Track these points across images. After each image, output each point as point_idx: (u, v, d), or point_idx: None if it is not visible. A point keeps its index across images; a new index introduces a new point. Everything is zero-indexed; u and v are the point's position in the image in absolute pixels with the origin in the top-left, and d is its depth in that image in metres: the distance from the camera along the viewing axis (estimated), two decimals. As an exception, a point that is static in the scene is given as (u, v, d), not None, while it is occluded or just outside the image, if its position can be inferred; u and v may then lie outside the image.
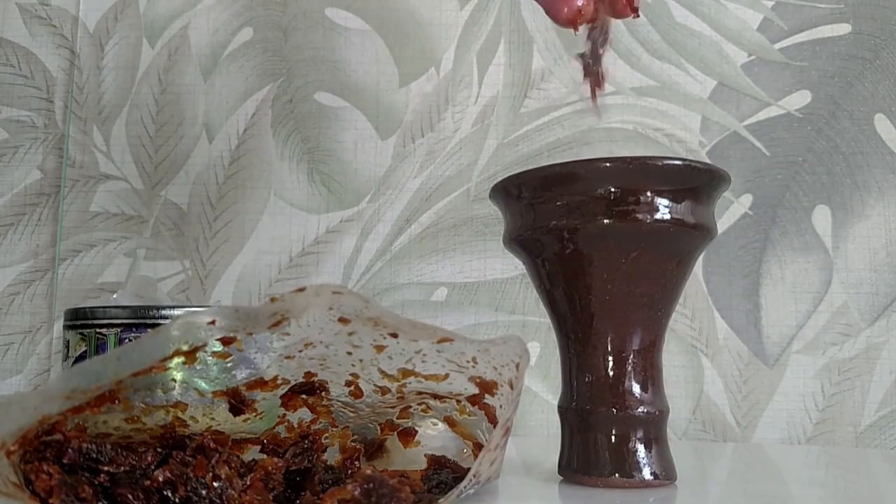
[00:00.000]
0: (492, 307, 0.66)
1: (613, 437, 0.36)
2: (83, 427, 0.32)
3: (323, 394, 0.37)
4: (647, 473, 0.36)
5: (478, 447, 0.38)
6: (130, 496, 0.28)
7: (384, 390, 0.37)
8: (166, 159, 0.71)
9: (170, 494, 0.29)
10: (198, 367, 0.33)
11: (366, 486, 0.27)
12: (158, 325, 0.45)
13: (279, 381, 0.36)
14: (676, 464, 0.37)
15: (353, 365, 0.36)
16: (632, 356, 0.37)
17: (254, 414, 0.36)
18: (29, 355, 0.68)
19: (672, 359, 0.64)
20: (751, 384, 0.64)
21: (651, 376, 0.37)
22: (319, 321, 0.32)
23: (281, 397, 0.37)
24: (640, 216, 0.35)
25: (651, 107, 0.67)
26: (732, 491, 0.39)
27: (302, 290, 0.29)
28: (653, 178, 0.35)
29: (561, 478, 0.38)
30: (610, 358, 0.37)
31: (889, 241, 0.64)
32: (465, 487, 0.29)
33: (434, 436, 0.40)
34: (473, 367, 0.35)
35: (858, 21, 0.67)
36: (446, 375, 0.36)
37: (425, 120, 0.69)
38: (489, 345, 0.33)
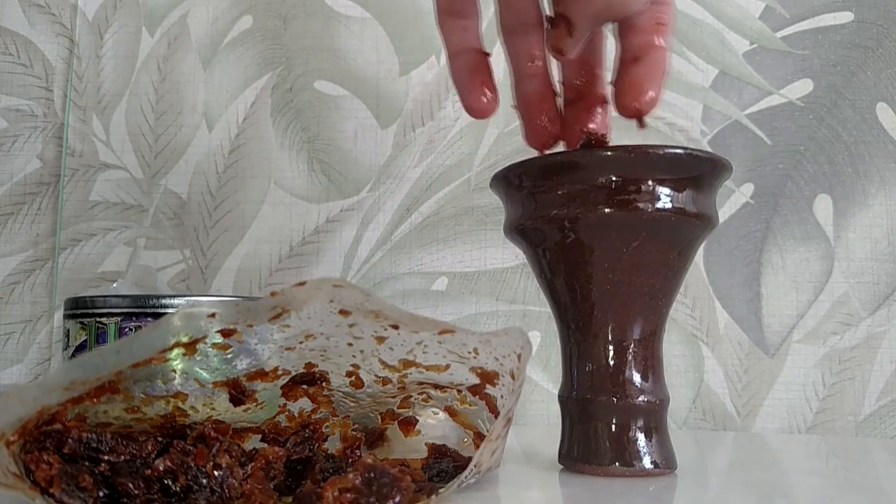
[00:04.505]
0: (492, 297, 0.66)
1: (614, 427, 0.36)
2: (83, 417, 0.32)
3: (324, 384, 0.37)
4: (647, 462, 0.36)
5: (479, 436, 0.39)
6: (131, 485, 0.28)
7: (385, 381, 0.37)
8: (166, 148, 0.70)
9: (170, 483, 0.29)
10: (198, 358, 0.33)
11: (367, 474, 0.27)
12: (158, 314, 0.45)
13: (280, 372, 0.36)
14: (677, 453, 0.37)
15: (353, 356, 0.36)
16: (632, 345, 0.36)
17: (254, 404, 0.36)
18: (29, 345, 0.68)
19: (672, 348, 0.64)
20: (751, 373, 0.64)
21: (651, 366, 0.37)
22: (320, 313, 0.32)
23: (281, 388, 0.37)
24: (641, 205, 0.35)
25: (652, 95, 0.67)
26: (733, 480, 0.39)
27: (302, 283, 0.29)
28: (654, 167, 0.35)
29: (561, 467, 0.38)
30: (610, 347, 0.37)
31: (890, 231, 0.64)
32: (465, 477, 0.29)
33: (435, 425, 0.40)
34: (475, 357, 0.35)
35: (861, 9, 0.67)
36: (447, 366, 0.36)
37: (426, 109, 0.69)
38: (491, 336, 0.33)
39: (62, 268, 0.69)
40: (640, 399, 0.36)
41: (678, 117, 0.67)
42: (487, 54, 0.41)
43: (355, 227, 0.68)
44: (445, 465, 0.34)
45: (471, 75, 0.40)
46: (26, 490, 0.25)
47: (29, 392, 0.27)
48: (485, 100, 0.40)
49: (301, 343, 0.35)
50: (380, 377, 0.37)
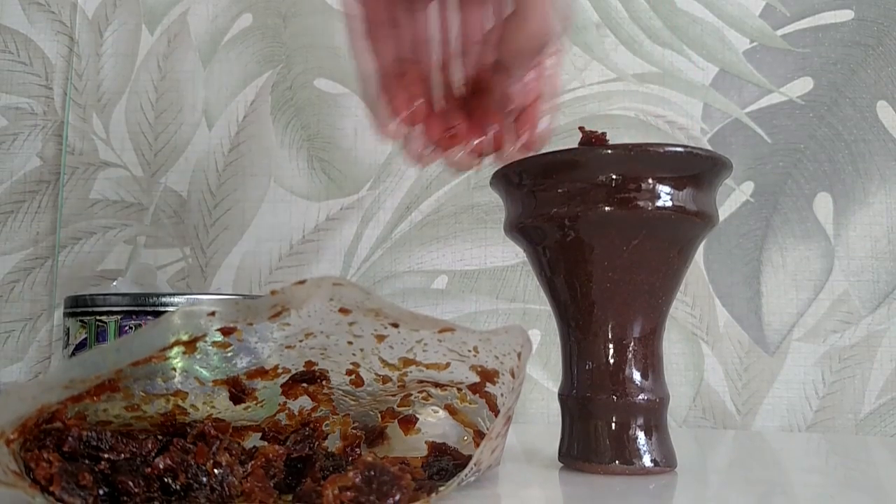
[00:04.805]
0: (492, 295, 0.66)
1: (614, 425, 0.36)
2: (83, 415, 0.32)
3: (324, 382, 0.37)
4: (647, 460, 0.36)
5: (479, 434, 0.39)
6: (131, 483, 0.28)
7: (385, 379, 0.37)
8: (166, 146, 0.70)
9: (170, 482, 0.29)
10: (198, 356, 0.33)
11: (367, 472, 0.27)
12: (158, 312, 0.45)
13: (280, 370, 0.36)
14: (676, 451, 0.37)
15: (353, 354, 0.36)
16: (632, 344, 0.36)
17: (254, 402, 0.36)
18: (30, 343, 0.69)
19: (672, 346, 0.64)
20: (751, 372, 0.64)
21: (651, 364, 0.37)
22: (320, 312, 0.32)
23: (282, 386, 0.37)
24: (641, 203, 0.35)
25: (653, 93, 0.67)
26: (732, 478, 0.39)
27: (302, 282, 0.29)
28: (654, 166, 0.35)
29: (561, 465, 0.38)
30: (610, 346, 0.37)
31: (890, 229, 0.64)
32: (466, 475, 0.29)
33: (435, 423, 0.40)
34: (475, 356, 0.35)
35: (861, 7, 0.67)
36: (447, 364, 0.36)
37: (426, 107, 0.69)
38: (491, 334, 0.33)
39: (62, 266, 0.69)
40: (640, 397, 0.36)
41: (678, 115, 0.67)
42: (408, 74, 0.40)
43: (355, 226, 0.68)
44: (445, 463, 0.34)
45: (399, 80, 0.39)
46: (26, 488, 0.25)
47: (29, 390, 0.27)
48: (414, 105, 0.39)
49: (301, 341, 0.35)
50: (380, 375, 0.37)
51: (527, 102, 0.39)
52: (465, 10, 0.41)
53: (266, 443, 0.36)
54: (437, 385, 0.38)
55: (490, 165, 0.40)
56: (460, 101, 0.41)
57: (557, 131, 0.67)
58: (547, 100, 0.40)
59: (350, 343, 0.35)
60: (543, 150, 0.38)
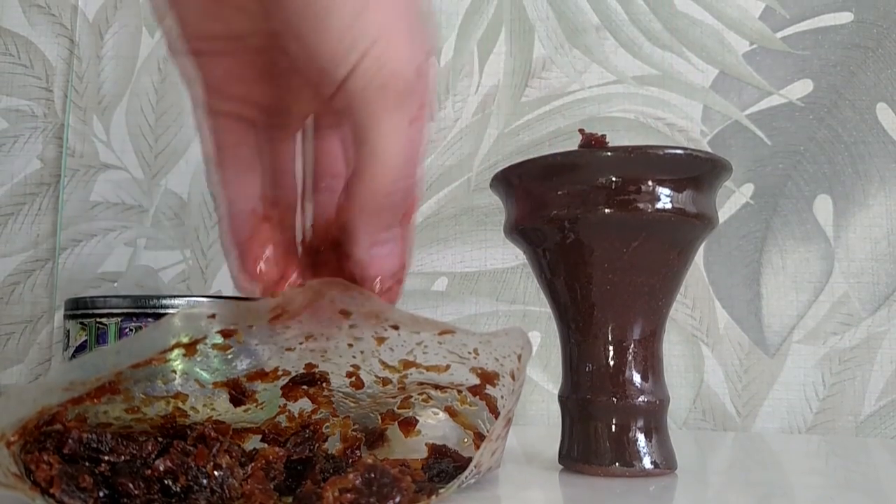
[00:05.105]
0: (492, 297, 0.66)
1: (614, 427, 0.36)
2: (83, 417, 0.32)
3: (324, 384, 0.37)
4: (647, 463, 0.36)
5: (479, 437, 0.39)
6: (131, 486, 0.28)
7: (385, 381, 0.37)
8: (166, 148, 0.70)
9: (171, 484, 0.29)
10: (198, 359, 0.33)
11: (367, 475, 0.27)
12: (159, 314, 0.45)
13: (280, 373, 0.36)
14: (677, 453, 0.37)
15: (353, 356, 0.36)
16: (632, 346, 0.37)
17: (254, 404, 0.36)
18: (30, 345, 0.69)
19: (672, 348, 0.64)
20: (751, 374, 0.64)
21: (651, 366, 0.37)
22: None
23: (282, 388, 0.37)
24: (641, 206, 0.35)
25: (652, 96, 0.67)
26: (732, 480, 0.39)
27: (302, 285, 0.29)
28: (654, 168, 0.35)
29: (561, 467, 0.38)
30: (610, 347, 0.37)
31: (890, 231, 0.64)
32: (466, 477, 0.29)
33: (435, 425, 0.40)
34: (475, 358, 0.35)
35: (861, 9, 0.67)
36: (447, 366, 0.36)
37: (426, 109, 0.69)
38: (491, 336, 0.33)
39: (62, 268, 0.69)
40: (640, 399, 0.36)
41: (678, 118, 0.67)
42: (269, 217, 0.34)
43: (355, 228, 0.68)
44: (445, 465, 0.34)
45: (251, 236, 0.34)
46: (26, 490, 0.25)
47: (29, 392, 0.27)
48: (263, 267, 0.33)
49: (301, 344, 0.35)
50: (380, 378, 0.37)
51: (380, 274, 0.32)
52: (319, 140, 0.35)
53: (266, 445, 0.36)
54: (437, 387, 0.38)
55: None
56: (311, 253, 0.35)
57: (558, 133, 0.67)
58: (407, 268, 0.33)
59: (350, 345, 0.35)
60: (544, 153, 0.38)
